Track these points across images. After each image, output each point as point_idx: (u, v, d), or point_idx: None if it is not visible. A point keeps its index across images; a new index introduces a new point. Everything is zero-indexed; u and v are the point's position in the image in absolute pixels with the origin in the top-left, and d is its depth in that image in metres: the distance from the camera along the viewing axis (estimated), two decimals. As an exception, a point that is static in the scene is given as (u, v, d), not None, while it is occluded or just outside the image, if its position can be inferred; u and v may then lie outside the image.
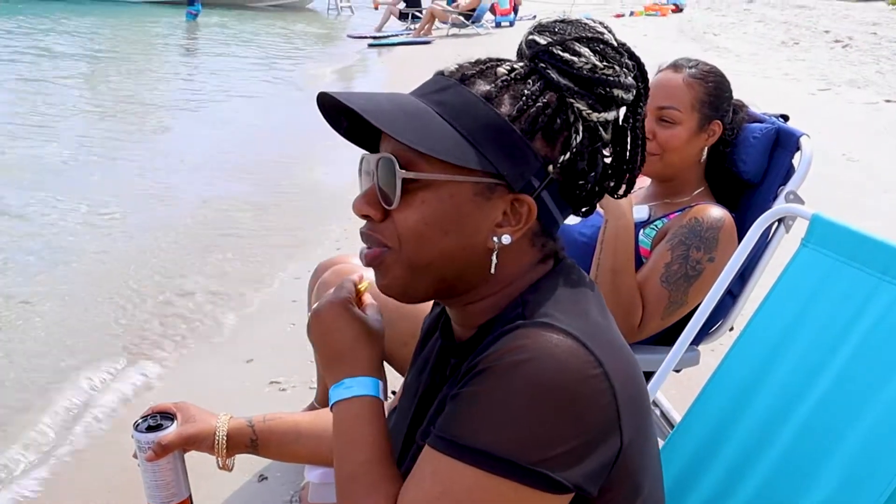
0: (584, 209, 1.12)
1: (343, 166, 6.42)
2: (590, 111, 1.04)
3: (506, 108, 1.02)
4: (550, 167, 1.03)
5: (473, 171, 1.00)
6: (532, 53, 1.06)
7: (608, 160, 1.11)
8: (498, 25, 16.86)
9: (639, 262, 2.12)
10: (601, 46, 1.05)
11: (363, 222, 1.07)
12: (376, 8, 18.30)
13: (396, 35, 15.93)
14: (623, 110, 1.09)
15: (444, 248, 1.03)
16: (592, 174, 1.07)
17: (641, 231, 2.16)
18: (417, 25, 16.04)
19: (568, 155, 1.03)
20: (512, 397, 0.93)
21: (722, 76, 2.21)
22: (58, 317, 3.74)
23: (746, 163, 2.22)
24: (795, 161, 2.18)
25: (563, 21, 1.08)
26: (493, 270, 1.05)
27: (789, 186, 2.13)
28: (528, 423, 0.92)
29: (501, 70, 1.04)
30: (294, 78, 10.78)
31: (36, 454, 2.72)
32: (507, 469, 0.91)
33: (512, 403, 0.93)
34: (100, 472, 2.60)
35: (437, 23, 15.91)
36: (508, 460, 0.91)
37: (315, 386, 2.70)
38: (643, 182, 2.38)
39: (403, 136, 0.98)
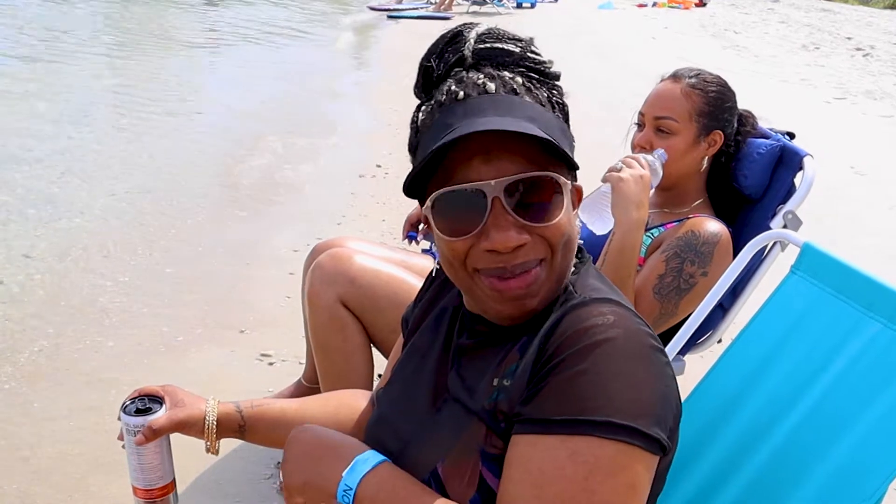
0: None
1: (351, 141, 6.44)
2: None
3: (556, 111, 1.10)
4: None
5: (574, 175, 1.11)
6: (513, 61, 1.10)
7: None
8: (519, 6, 16.75)
9: (633, 270, 2.11)
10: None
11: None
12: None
13: (416, 8, 15.83)
14: None
15: (573, 250, 1.10)
16: None
17: (637, 237, 2.15)
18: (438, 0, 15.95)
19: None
20: (619, 369, 0.96)
21: (724, 85, 2.20)
22: (54, 279, 3.78)
23: (748, 178, 2.21)
24: (798, 180, 2.18)
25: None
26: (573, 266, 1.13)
27: (789, 205, 2.13)
28: (641, 391, 0.96)
29: (520, 80, 1.08)
30: (310, 47, 10.73)
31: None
32: (636, 435, 0.94)
33: (622, 375, 0.96)
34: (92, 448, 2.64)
35: (457, -1, 15.81)
36: (634, 427, 0.94)
37: (304, 362, 2.71)
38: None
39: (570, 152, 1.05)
